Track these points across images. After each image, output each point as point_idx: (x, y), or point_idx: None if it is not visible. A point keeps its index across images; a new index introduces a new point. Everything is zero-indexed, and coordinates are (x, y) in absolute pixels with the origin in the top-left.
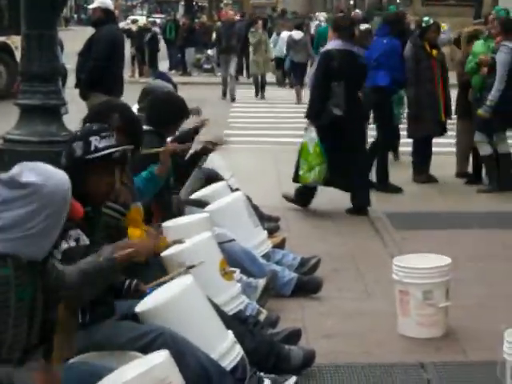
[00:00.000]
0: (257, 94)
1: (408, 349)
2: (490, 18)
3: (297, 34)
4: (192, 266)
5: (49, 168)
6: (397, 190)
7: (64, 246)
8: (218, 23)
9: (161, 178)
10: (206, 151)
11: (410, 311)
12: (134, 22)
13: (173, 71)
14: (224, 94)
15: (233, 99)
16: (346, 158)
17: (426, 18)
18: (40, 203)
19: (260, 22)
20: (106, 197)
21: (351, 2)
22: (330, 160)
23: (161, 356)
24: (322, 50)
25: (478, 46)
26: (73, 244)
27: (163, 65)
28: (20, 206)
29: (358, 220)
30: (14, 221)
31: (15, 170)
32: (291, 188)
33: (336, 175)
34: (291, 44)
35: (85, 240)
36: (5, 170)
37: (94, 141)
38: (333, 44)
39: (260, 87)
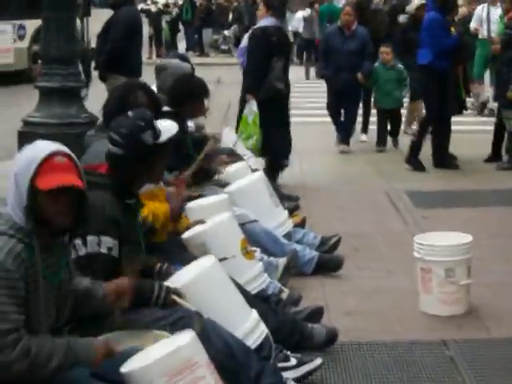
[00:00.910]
0: None
1: (430, 326)
2: None
3: (306, 12)
4: (224, 259)
5: (39, 143)
6: (422, 168)
7: (94, 248)
8: (235, 3)
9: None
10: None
11: (431, 289)
12: (154, 2)
13: (190, 52)
14: None
15: None
16: (282, 131)
17: None
18: (14, 166)
19: None
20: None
21: None
22: (265, 132)
23: (186, 336)
24: (256, 26)
25: None
26: (104, 251)
27: (180, 46)
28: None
29: (378, 199)
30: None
31: None
32: (310, 166)
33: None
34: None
35: (115, 253)
36: None
37: (157, 126)
38: (267, 21)
39: None
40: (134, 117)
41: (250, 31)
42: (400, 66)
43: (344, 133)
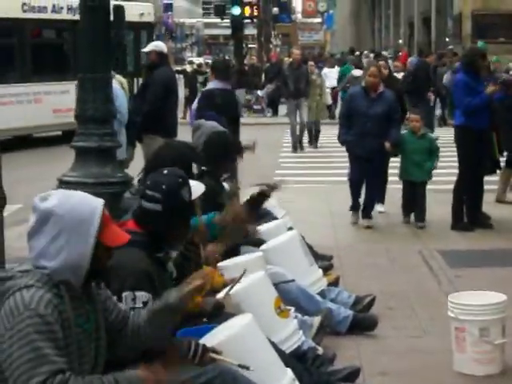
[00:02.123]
0: (310, 143)
1: None
2: None
3: (357, 72)
4: (245, 367)
5: (71, 194)
6: (470, 228)
7: (130, 305)
8: (268, 64)
9: (215, 228)
10: (263, 196)
11: (466, 348)
12: (190, 62)
13: None
14: (295, 148)
15: (301, 148)
16: None
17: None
18: (56, 226)
19: (312, 64)
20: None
21: (400, 41)
22: None
23: None
24: (204, 89)
25: None
26: (139, 305)
27: None
28: (40, 232)
29: (412, 258)
30: (40, 248)
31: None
32: (342, 226)
33: None
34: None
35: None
36: None
37: (191, 183)
38: (212, 84)
39: (314, 136)
40: (170, 174)
41: (199, 94)
42: (431, 134)
43: (368, 208)
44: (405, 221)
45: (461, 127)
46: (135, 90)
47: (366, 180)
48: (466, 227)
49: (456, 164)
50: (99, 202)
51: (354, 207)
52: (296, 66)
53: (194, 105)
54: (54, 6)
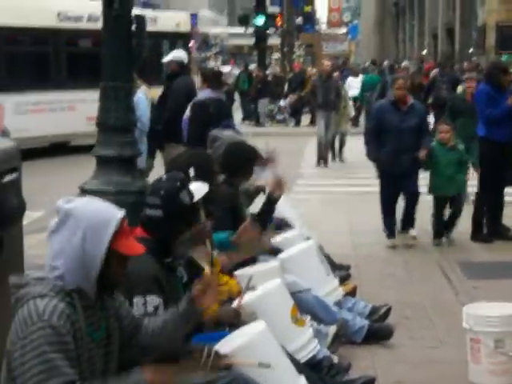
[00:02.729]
0: (333, 156)
1: None
2: None
3: None
4: (265, 365)
5: (94, 200)
6: (489, 239)
7: (141, 310)
8: (291, 75)
9: (232, 248)
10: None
11: (481, 359)
12: None
13: (246, 122)
14: (319, 162)
15: (325, 163)
16: None
17: None
18: (74, 227)
19: (337, 74)
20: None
21: (423, 52)
22: None
23: None
24: (196, 99)
25: None
26: (150, 310)
27: (236, 115)
28: (59, 232)
29: (429, 269)
30: (57, 248)
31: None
32: (361, 236)
33: None
34: None
35: (161, 312)
36: None
37: (191, 187)
38: (204, 93)
39: (339, 148)
40: (168, 179)
41: (191, 103)
42: (461, 145)
43: (409, 221)
44: (435, 243)
45: (483, 138)
46: None
47: (405, 196)
48: (485, 239)
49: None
50: (119, 212)
51: (391, 231)
52: (325, 77)
53: (187, 113)
54: (89, 15)
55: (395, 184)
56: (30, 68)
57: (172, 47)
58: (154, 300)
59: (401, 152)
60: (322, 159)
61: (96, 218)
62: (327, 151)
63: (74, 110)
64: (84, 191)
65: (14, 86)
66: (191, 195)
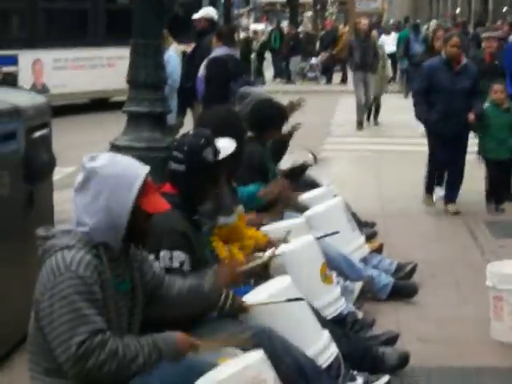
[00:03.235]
0: (368, 118)
1: (501, 354)
2: None
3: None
4: (295, 299)
5: (119, 157)
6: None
7: (167, 263)
8: (323, 32)
9: (260, 201)
10: (302, 169)
11: (503, 317)
12: (245, 29)
13: (277, 79)
14: (360, 124)
15: (360, 123)
16: None
17: None
18: (99, 186)
19: (375, 32)
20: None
21: (457, 11)
22: None
23: (255, 355)
24: (211, 56)
25: None
26: (176, 265)
27: (267, 73)
28: (84, 190)
29: (456, 228)
30: (83, 205)
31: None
32: (389, 194)
33: None
34: None
35: (186, 267)
36: None
37: (217, 144)
38: (220, 51)
39: (374, 111)
40: (194, 135)
41: (206, 61)
42: None
43: (454, 190)
44: (489, 208)
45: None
46: None
47: (452, 160)
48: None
49: None
50: (143, 169)
51: (431, 188)
52: (363, 37)
53: (201, 71)
54: None
55: (446, 146)
56: (68, 24)
57: (212, 3)
58: (179, 255)
59: (452, 114)
60: (362, 121)
61: (120, 177)
62: (366, 112)
63: (114, 67)
64: (114, 147)
65: (53, 42)
66: (216, 152)
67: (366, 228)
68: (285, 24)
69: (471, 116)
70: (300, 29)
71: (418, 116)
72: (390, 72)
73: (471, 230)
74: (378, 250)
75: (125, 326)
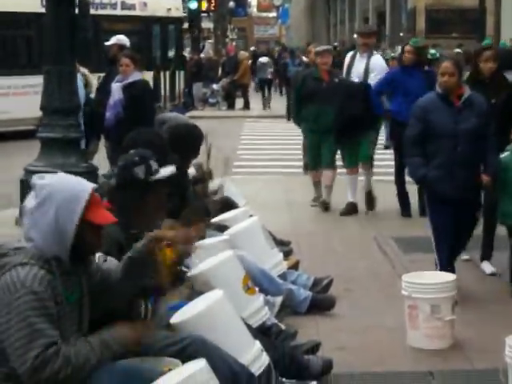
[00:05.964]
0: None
1: (417, 359)
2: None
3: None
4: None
5: (66, 176)
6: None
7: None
8: (225, 58)
9: None
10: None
11: (418, 324)
12: None
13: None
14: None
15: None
16: None
17: (432, 51)
18: (48, 202)
19: None
20: (157, 219)
21: (354, 36)
22: None
23: (199, 363)
24: (131, 81)
25: None
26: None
27: None
28: (34, 206)
29: (366, 245)
30: (32, 221)
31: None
32: (299, 214)
33: None
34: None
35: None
36: None
37: (153, 164)
38: (136, 76)
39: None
40: (132, 153)
41: (122, 85)
42: None
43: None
44: None
45: None
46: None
47: (459, 229)
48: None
49: None
50: (90, 185)
51: (452, 268)
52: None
53: (117, 96)
54: None
55: (452, 210)
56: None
57: (163, 33)
58: (113, 262)
59: (457, 167)
60: None
61: (68, 193)
62: None
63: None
64: (29, 172)
65: None
66: (149, 172)
67: (282, 246)
68: (187, 50)
69: (485, 178)
70: (202, 55)
71: (412, 173)
72: None
73: (381, 246)
74: (295, 266)
75: (75, 328)
